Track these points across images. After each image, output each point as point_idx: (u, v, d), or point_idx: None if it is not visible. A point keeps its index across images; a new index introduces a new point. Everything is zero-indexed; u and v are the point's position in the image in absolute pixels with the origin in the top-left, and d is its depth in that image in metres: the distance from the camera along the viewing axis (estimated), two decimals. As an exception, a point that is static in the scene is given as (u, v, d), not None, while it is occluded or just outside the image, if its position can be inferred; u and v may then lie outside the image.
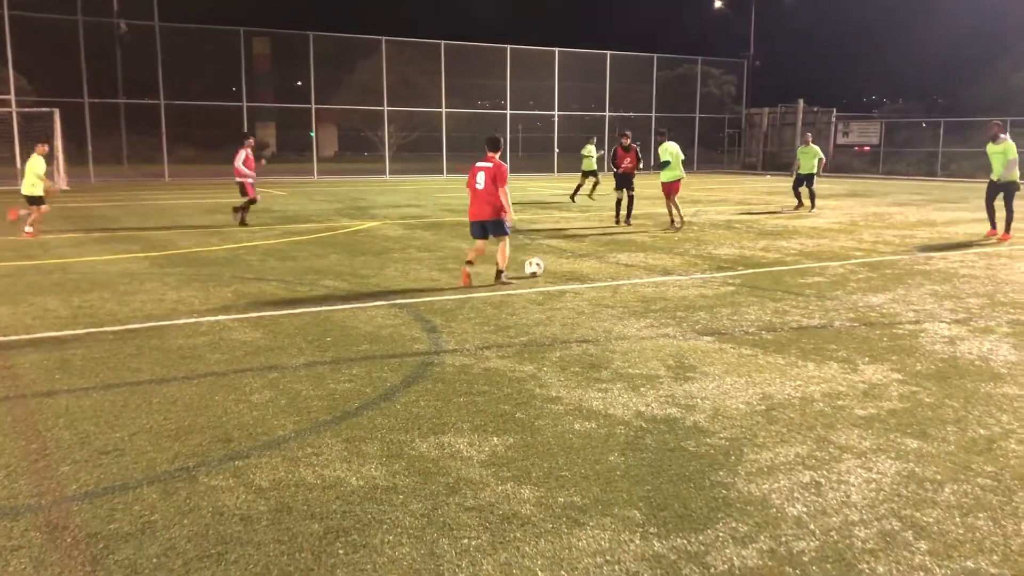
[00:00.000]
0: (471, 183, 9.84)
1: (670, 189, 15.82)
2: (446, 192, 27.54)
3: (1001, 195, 14.05)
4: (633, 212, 16.84)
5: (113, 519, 3.63)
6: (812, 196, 20.12)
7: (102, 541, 3.44)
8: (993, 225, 14.47)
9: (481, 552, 3.36)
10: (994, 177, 14.10)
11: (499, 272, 9.92)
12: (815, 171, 19.96)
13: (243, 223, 16.04)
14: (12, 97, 30.29)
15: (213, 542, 3.44)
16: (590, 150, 23.70)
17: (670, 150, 15.82)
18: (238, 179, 16.14)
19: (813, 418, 5.01)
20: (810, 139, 21.26)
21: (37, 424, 4.85)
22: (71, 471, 4.16)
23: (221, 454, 4.40)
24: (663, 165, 15.82)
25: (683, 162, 16.00)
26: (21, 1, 31.00)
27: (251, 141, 16.65)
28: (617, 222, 16.66)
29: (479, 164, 9.88)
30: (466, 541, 3.46)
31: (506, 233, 9.88)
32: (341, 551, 3.37)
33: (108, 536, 3.48)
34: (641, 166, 16.94)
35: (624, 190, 16.67)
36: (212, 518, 3.65)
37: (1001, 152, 13.89)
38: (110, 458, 4.33)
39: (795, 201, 20.50)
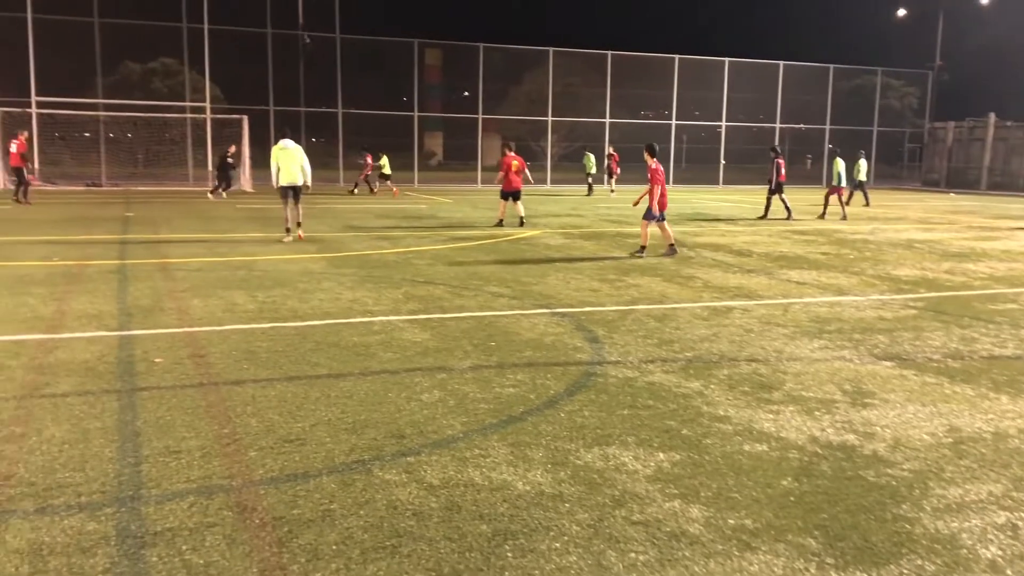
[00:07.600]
0: (662, 181, 13.38)
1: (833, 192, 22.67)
2: (605, 202, 27.47)
3: None
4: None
5: (296, 505, 3.83)
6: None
7: (286, 525, 3.63)
8: None
9: (649, 568, 3.32)
10: None
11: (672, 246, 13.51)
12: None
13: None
14: (207, 104, 32.80)
15: (388, 534, 3.56)
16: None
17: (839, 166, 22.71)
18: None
19: (1008, 455, 4.64)
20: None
21: (227, 410, 5.19)
22: (258, 456, 4.43)
23: (394, 449, 4.56)
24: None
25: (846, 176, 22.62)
26: (220, 16, 33.54)
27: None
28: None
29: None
30: (633, 555, 3.42)
31: None
32: (509, 554, 3.41)
33: (292, 521, 3.67)
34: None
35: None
36: (387, 511, 3.78)
37: None
38: (293, 447, 4.57)
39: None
